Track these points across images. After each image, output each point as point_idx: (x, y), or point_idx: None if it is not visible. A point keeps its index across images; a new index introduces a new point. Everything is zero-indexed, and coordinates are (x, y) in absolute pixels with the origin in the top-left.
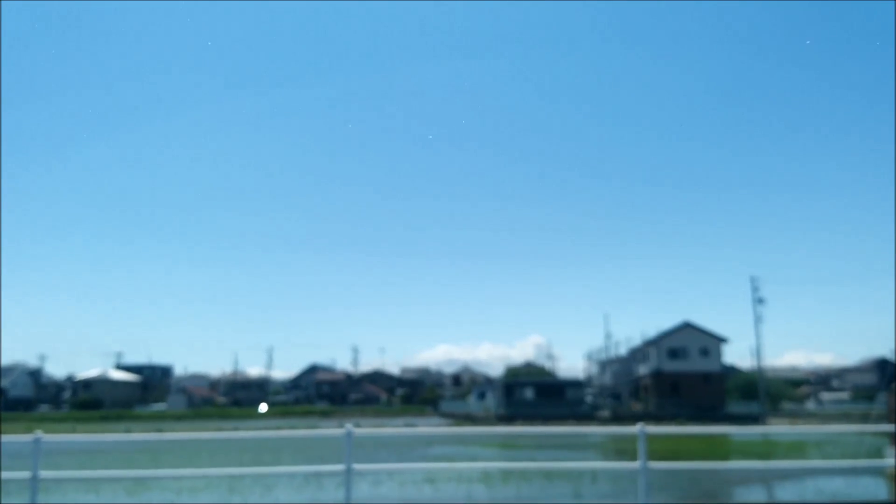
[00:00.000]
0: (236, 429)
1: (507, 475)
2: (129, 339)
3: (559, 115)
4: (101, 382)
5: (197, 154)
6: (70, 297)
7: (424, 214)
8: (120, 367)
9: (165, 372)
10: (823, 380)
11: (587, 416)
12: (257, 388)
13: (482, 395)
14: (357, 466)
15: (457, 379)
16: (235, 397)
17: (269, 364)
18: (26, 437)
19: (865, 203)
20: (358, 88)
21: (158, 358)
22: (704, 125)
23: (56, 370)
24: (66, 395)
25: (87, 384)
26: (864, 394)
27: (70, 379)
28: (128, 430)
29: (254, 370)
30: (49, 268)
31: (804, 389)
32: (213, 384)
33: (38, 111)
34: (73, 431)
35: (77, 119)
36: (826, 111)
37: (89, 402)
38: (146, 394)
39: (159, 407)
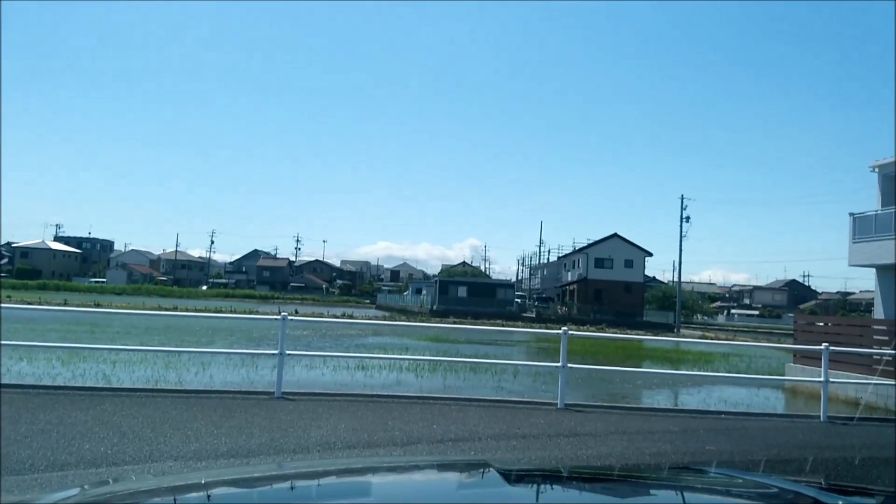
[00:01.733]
0: (176, 308)
1: (435, 366)
2: (69, 212)
3: (514, 28)
4: (40, 252)
5: (152, 25)
6: (9, 163)
7: (377, 114)
8: (59, 238)
9: (105, 247)
10: (736, 297)
11: (514, 316)
12: (198, 269)
13: (418, 291)
14: (290, 352)
15: (395, 274)
16: (176, 276)
17: (211, 247)
18: None
19: (784, 137)
20: None
21: (98, 233)
22: (650, 50)
23: None
24: (4, 262)
25: (25, 253)
26: (772, 312)
27: (8, 245)
28: (65, 302)
29: (195, 252)
30: None
31: (718, 304)
32: (154, 262)
33: None
34: (9, 300)
35: None
36: (756, 49)
37: (28, 270)
38: (86, 267)
39: (99, 280)
